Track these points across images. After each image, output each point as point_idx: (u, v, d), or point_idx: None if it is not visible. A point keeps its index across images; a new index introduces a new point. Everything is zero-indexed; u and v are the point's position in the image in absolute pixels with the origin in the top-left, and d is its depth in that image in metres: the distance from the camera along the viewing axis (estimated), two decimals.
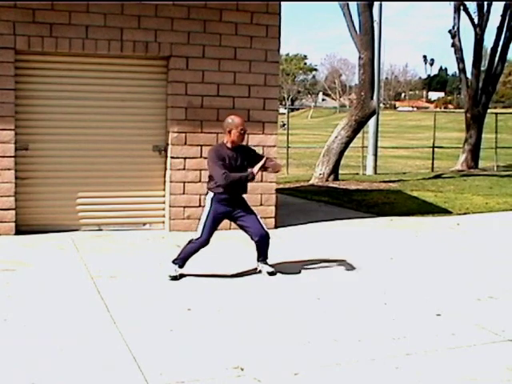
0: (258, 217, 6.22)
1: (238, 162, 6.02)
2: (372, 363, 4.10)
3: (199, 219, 6.15)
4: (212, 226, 6.04)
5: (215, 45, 8.32)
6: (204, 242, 6.02)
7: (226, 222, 8.13)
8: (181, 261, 6.05)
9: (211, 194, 6.08)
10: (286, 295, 5.62)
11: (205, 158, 8.28)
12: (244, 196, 6.27)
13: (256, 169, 6.03)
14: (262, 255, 6.27)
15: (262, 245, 6.21)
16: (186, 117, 8.27)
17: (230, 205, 6.10)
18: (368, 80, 15.10)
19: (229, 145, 6.05)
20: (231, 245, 7.48)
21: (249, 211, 6.19)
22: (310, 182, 15.24)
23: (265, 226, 6.20)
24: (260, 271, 6.28)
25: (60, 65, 7.99)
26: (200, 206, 8.35)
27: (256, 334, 4.58)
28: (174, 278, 5.98)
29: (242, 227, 6.22)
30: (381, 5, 18.18)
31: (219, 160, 5.92)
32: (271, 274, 6.20)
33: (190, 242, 6.09)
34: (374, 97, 15.66)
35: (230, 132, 6.00)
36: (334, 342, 4.45)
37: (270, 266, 6.28)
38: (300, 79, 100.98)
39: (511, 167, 21.84)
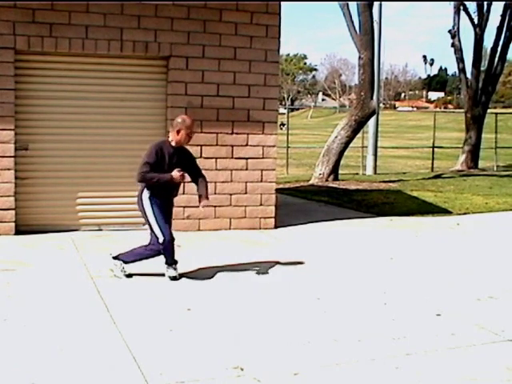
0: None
1: (176, 162, 5.92)
2: (372, 363, 4.10)
3: (148, 223, 5.93)
4: (165, 220, 5.93)
5: (215, 45, 8.32)
6: (170, 240, 5.89)
7: (226, 222, 8.15)
8: (171, 261, 6.02)
9: (147, 193, 5.96)
10: (286, 295, 5.62)
11: (205, 158, 8.33)
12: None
13: (175, 173, 5.85)
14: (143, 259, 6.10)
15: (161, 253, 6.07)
16: None
17: (167, 202, 6.06)
18: (368, 80, 15.10)
19: (173, 143, 5.97)
20: (231, 245, 7.48)
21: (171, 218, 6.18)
22: (310, 182, 15.24)
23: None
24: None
25: (60, 65, 7.99)
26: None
27: (256, 334, 4.58)
28: (174, 278, 5.98)
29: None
30: (381, 5, 18.18)
31: (154, 159, 5.82)
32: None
33: (160, 248, 5.91)
34: (374, 97, 15.67)
35: (178, 132, 5.92)
36: (333, 341, 4.45)
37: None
38: (300, 79, 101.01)
39: (511, 167, 21.85)
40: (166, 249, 5.92)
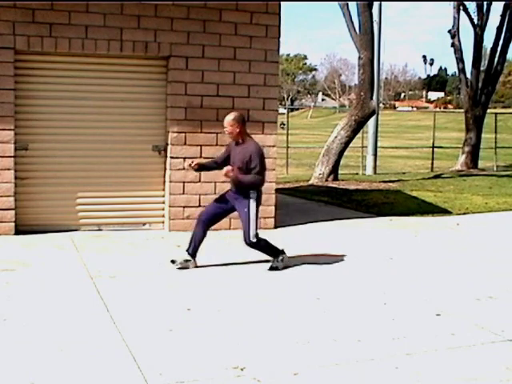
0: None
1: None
2: (372, 363, 4.10)
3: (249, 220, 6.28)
4: None
5: (215, 45, 8.32)
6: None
7: (226, 222, 8.11)
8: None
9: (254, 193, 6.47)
10: (286, 295, 5.62)
11: (205, 158, 8.31)
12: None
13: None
14: None
15: None
16: (185, 117, 8.27)
17: None
18: (368, 80, 15.10)
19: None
20: (231, 245, 7.48)
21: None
22: (310, 182, 15.24)
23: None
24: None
25: (60, 65, 7.99)
26: (200, 205, 8.36)
27: (256, 334, 4.58)
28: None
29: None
30: (380, 5, 18.17)
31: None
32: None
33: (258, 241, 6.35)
34: (374, 97, 15.66)
35: None
36: (333, 342, 4.45)
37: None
38: (300, 79, 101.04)
39: (511, 167, 21.85)
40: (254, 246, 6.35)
